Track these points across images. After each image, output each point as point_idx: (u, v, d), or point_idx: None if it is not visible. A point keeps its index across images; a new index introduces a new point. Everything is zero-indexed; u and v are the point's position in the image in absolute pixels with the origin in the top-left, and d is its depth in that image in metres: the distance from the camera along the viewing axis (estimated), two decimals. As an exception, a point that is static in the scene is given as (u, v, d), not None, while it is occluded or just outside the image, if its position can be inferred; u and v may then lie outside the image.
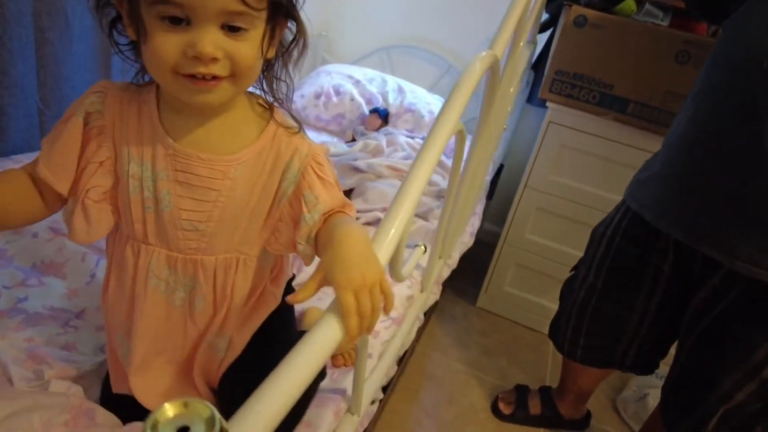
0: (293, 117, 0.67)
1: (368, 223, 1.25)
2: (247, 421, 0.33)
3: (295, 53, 0.64)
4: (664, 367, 1.10)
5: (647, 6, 1.42)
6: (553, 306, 1.26)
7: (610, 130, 1.45)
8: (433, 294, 1.20)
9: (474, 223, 1.52)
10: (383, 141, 1.50)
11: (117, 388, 0.69)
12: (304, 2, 0.61)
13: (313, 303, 0.98)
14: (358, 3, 2.01)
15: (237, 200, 0.63)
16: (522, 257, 1.69)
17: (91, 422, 0.58)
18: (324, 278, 0.52)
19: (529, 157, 1.56)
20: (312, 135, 1.40)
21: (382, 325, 0.95)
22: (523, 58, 1.42)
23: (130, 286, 0.66)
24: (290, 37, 0.62)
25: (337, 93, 1.72)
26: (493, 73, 0.81)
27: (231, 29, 0.52)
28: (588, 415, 1.45)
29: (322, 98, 1.71)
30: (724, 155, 0.87)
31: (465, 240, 1.42)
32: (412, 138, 1.58)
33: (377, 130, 1.63)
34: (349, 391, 0.79)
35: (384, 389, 0.99)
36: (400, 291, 1.04)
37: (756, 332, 0.90)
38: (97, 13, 0.57)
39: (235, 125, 0.63)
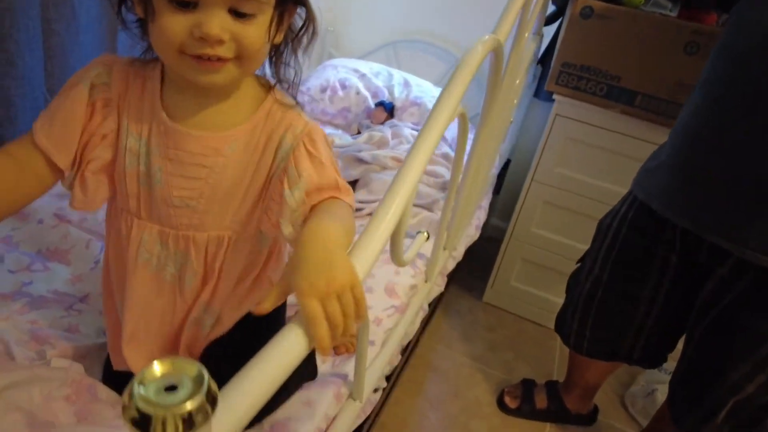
0: (295, 99, 0.66)
1: (372, 214, 1.24)
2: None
3: (305, 40, 0.63)
4: (672, 363, 1.08)
5: (655, -4, 1.40)
6: (560, 301, 1.25)
7: (618, 123, 1.43)
8: (438, 285, 1.19)
9: (480, 217, 1.51)
10: (388, 133, 1.50)
11: (117, 365, 0.69)
12: None
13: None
14: (364, -2, 2.01)
15: (229, 178, 0.63)
16: (528, 252, 1.67)
17: (93, 398, 0.58)
18: (287, 285, 0.47)
19: (536, 151, 1.55)
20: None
21: (384, 312, 0.94)
22: (529, 50, 1.42)
23: (122, 258, 0.67)
24: (300, 24, 0.61)
25: (343, 87, 1.72)
26: (496, 57, 0.80)
27: (238, 14, 0.52)
28: (595, 409, 1.43)
29: (328, 92, 1.72)
30: (726, 151, 0.86)
31: (470, 233, 1.42)
32: (417, 130, 1.58)
33: (383, 123, 1.63)
34: (351, 377, 0.78)
35: (388, 379, 0.98)
36: (403, 280, 1.03)
37: (765, 322, 0.89)
38: None
39: (234, 104, 0.62)
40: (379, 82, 1.77)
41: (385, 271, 1.05)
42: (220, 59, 0.53)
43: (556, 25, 1.63)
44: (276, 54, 0.63)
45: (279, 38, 0.60)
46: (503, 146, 1.75)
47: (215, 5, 0.51)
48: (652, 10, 1.40)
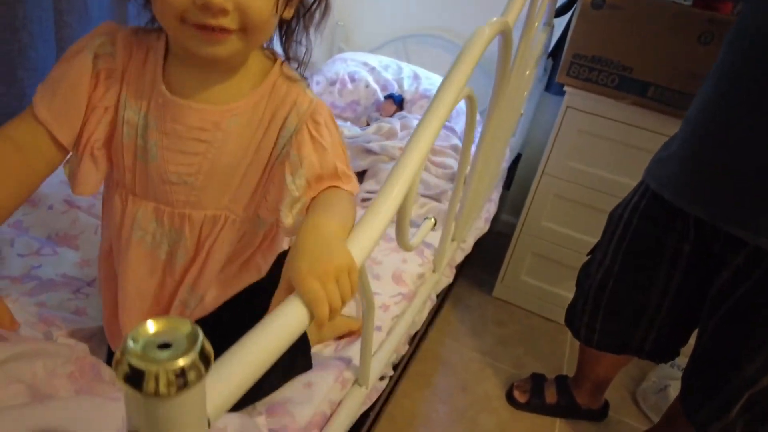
0: (303, 77, 0.63)
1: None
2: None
3: (317, 15, 0.61)
4: (684, 359, 1.06)
5: (668, -15, 1.38)
6: (571, 296, 1.23)
7: (630, 115, 1.41)
8: (446, 276, 1.19)
9: (490, 210, 1.50)
10: (397, 125, 1.50)
11: (114, 345, 0.68)
12: None
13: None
14: (374, -7, 2.00)
15: (229, 154, 0.60)
16: (539, 246, 1.66)
17: (96, 376, 0.58)
18: (289, 278, 0.46)
19: (547, 144, 1.53)
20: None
21: (392, 299, 0.94)
22: (539, 41, 1.40)
23: (116, 236, 0.65)
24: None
25: (352, 80, 1.72)
26: (505, 41, 0.79)
27: None
28: (606, 405, 1.41)
29: (337, 85, 1.71)
30: (732, 146, 0.85)
31: (480, 226, 1.40)
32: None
33: (392, 115, 1.62)
34: (356, 362, 0.78)
35: (395, 368, 0.98)
36: (411, 268, 1.03)
37: (782, 313, 0.87)
38: None
39: (236, 76, 0.60)
40: (389, 75, 1.77)
41: (393, 258, 1.05)
42: (223, 30, 0.51)
43: (567, 17, 1.62)
44: (287, 30, 0.60)
45: (289, 13, 0.58)
46: (514, 140, 1.73)
47: None
48: (666, -2, 1.38)
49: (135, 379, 0.27)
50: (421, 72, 1.80)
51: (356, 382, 0.78)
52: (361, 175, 1.35)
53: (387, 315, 0.90)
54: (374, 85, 1.72)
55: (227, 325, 0.63)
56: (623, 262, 1.06)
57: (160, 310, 0.69)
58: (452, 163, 1.42)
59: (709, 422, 0.98)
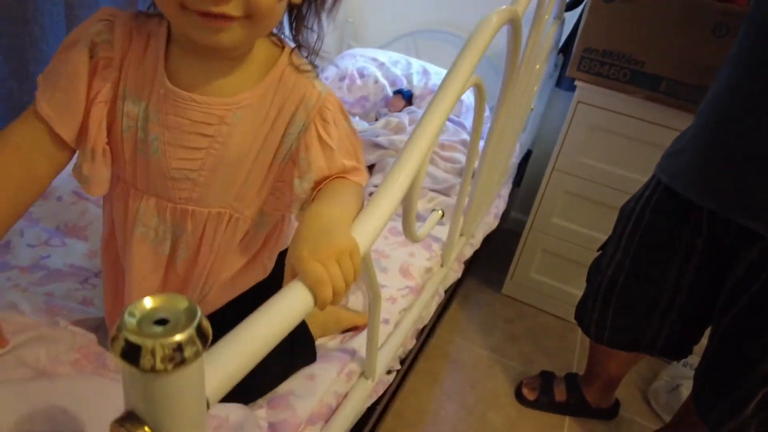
0: (311, 63, 0.60)
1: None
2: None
3: (330, 0, 0.58)
4: (697, 358, 1.04)
5: (682, -23, 1.36)
6: (581, 293, 1.21)
7: (642, 110, 1.39)
8: (454, 271, 1.18)
9: (499, 206, 1.48)
10: (405, 119, 1.49)
11: None
12: None
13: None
14: (384, -11, 2.00)
15: (234, 149, 0.57)
16: (549, 243, 1.64)
17: (102, 366, 0.58)
18: (293, 270, 0.46)
19: (557, 139, 1.52)
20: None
21: (399, 292, 0.93)
22: (550, 35, 1.39)
23: (120, 230, 0.63)
24: None
25: (361, 75, 1.71)
26: (514, 31, 0.78)
27: None
28: (616, 404, 1.39)
29: (346, 81, 1.71)
30: (745, 137, 0.83)
31: (489, 221, 1.39)
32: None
33: (400, 111, 1.61)
34: (361, 354, 0.77)
35: (402, 363, 0.97)
36: (418, 262, 1.02)
37: (798, 309, 0.85)
38: None
39: (241, 66, 0.57)
40: (398, 71, 1.76)
41: (400, 252, 1.04)
42: (226, 17, 0.47)
43: (578, 12, 1.60)
44: (297, 16, 0.57)
45: None
46: (524, 136, 1.72)
47: None
48: (679, -9, 1.36)
49: (131, 354, 0.26)
50: (431, 67, 1.79)
51: (362, 374, 0.77)
52: (369, 170, 1.35)
53: (395, 307, 0.90)
54: (383, 81, 1.71)
55: (231, 324, 0.64)
56: (635, 256, 1.05)
57: None
58: (461, 157, 1.41)
59: (723, 422, 0.96)
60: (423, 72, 1.77)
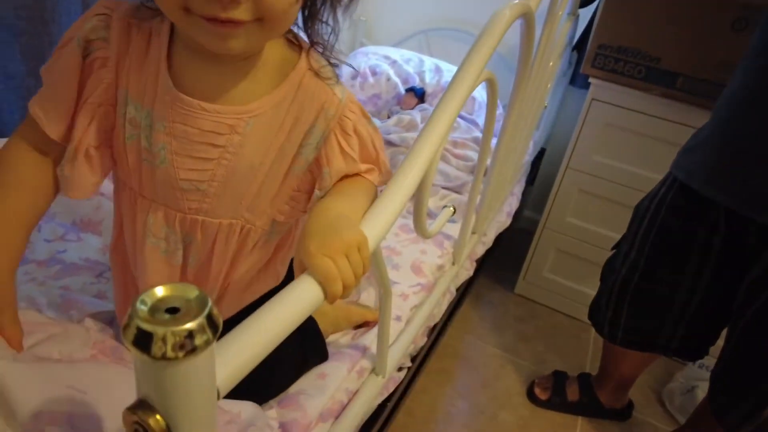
0: (330, 63, 0.56)
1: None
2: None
3: None
4: (713, 360, 1.03)
5: (699, -28, 1.34)
6: (595, 293, 1.20)
7: (658, 107, 1.37)
8: (466, 270, 1.17)
9: (512, 204, 1.48)
10: (417, 117, 1.49)
11: None
12: None
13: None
14: (396, -13, 2.00)
15: (247, 159, 0.54)
16: (563, 242, 1.62)
17: (118, 359, 0.58)
18: (302, 265, 0.45)
19: (571, 137, 1.50)
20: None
21: (411, 289, 0.93)
22: (563, 31, 1.37)
23: (130, 237, 0.60)
24: None
25: (374, 73, 1.71)
26: (527, 25, 0.78)
27: None
28: (630, 405, 1.38)
29: (359, 79, 1.71)
30: (764, 133, 0.81)
31: (501, 219, 1.38)
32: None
33: (413, 109, 1.61)
34: (372, 350, 0.77)
35: (413, 360, 0.97)
36: (430, 259, 1.02)
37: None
38: None
39: (254, 71, 0.52)
40: (410, 69, 1.76)
41: (412, 249, 1.04)
42: (234, 22, 0.43)
43: (592, 9, 1.58)
44: (311, 9, 0.52)
45: None
46: (537, 134, 1.71)
47: None
48: (697, -15, 1.34)
49: (143, 341, 0.26)
50: (443, 65, 1.79)
51: (373, 371, 0.77)
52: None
53: (406, 304, 0.90)
54: (395, 79, 1.71)
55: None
56: (649, 255, 1.03)
57: None
58: (473, 155, 1.40)
59: (739, 424, 0.95)
60: (435, 69, 1.76)
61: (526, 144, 1.46)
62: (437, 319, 1.05)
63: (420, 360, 1.02)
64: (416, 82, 1.73)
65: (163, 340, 0.26)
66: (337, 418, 0.70)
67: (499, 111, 1.45)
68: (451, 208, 0.84)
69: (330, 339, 0.83)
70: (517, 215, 1.67)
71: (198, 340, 0.27)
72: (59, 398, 0.42)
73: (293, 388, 0.72)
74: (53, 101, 0.52)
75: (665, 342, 1.08)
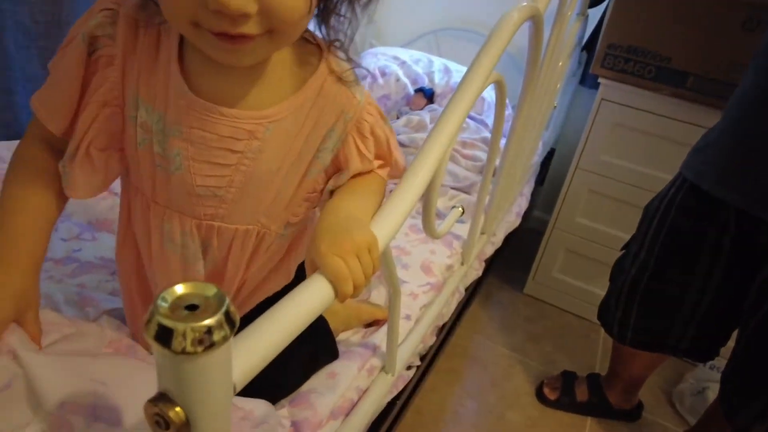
0: (351, 60, 0.55)
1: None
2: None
3: None
4: (724, 361, 1.02)
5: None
6: (605, 293, 1.20)
7: (667, 107, 1.37)
8: (475, 269, 1.18)
9: (521, 204, 1.48)
10: (426, 117, 1.50)
11: (134, 332, 0.66)
12: None
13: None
14: (406, -13, 2.00)
15: (265, 165, 0.53)
16: (572, 242, 1.62)
17: (133, 357, 0.60)
18: (314, 264, 0.45)
19: (581, 137, 1.50)
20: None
21: (420, 289, 0.94)
22: (573, 31, 1.37)
23: (144, 245, 0.59)
24: None
25: (383, 74, 1.72)
26: (535, 27, 0.78)
27: None
28: (639, 405, 1.37)
29: (368, 80, 1.72)
30: None
31: (511, 219, 1.39)
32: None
33: (422, 109, 1.62)
34: (382, 349, 0.78)
35: (422, 359, 0.98)
36: (439, 259, 1.03)
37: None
38: None
39: (272, 73, 0.51)
40: (419, 69, 1.76)
41: (421, 249, 1.05)
42: (245, 36, 0.42)
43: (601, 9, 1.58)
44: (326, 5, 0.50)
45: None
46: (547, 134, 1.71)
47: None
48: (707, -15, 1.33)
49: (164, 337, 0.27)
50: (452, 65, 1.79)
51: (383, 369, 0.78)
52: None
53: (416, 303, 0.90)
54: (404, 79, 1.72)
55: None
56: (659, 256, 1.03)
57: None
58: (482, 155, 1.41)
59: (750, 425, 0.94)
60: (444, 70, 1.77)
61: (535, 144, 1.46)
62: (446, 318, 1.06)
63: (429, 359, 1.03)
64: (425, 83, 1.74)
65: (183, 335, 0.27)
66: (347, 415, 0.71)
67: (509, 111, 1.45)
68: (460, 209, 0.84)
69: (341, 337, 0.84)
70: (527, 215, 1.67)
71: (216, 336, 0.28)
72: (82, 390, 0.44)
73: (304, 387, 0.72)
74: (52, 98, 0.51)
75: (675, 342, 1.08)
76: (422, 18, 2.02)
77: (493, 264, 1.50)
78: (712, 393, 1.35)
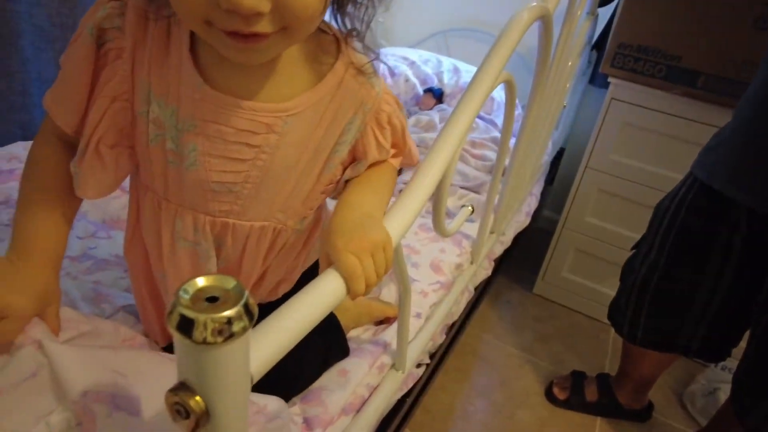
0: (370, 50, 0.53)
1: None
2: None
3: None
4: (735, 362, 1.02)
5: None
6: (615, 293, 1.20)
7: (678, 106, 1.37)
8: (484, 269, 1.18)
9: (531, 204, 1.48)
10: (436, 117, 1.50)
11: (147, 330, 0.67)
12: None
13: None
14: (415, -12, 2.01)
15: (283, 159, 0.52)
16: (582, 242, 1.62)
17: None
18: (328, 258, 0.45)
19: (590, 137, 1.50)
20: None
21: (430, 287, 0.95)
22: (583, 30, 1.37)
23: (155, 243, 0.58)
24: None
25: (392, 74, 1.73)
26: (545, 27, 0.79)
27: None
28: (650, 406, 1.37)
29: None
30: None
31: (520, 219, 1.39)
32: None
33: (431, 109, 1.62)
34: (392, 346, 0.79)
35: (432, 357, 0.98)
36: (449, 258, 1.03)
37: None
38: None
39: (289, 66, 0.50)
40: (429, 69, 1.77)
41: (431, 248, 1.05)
42: (258, 35, 0.41)
43: (611, 8, 1.58)
44: None
45: None
46: (557, 134, 1.71)
47: None
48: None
49: (185, 327, 0.28)
50: (462, 65, 1.79)
51: (393, 366, 0.79)
52: (399, 168, 1.36)
53: (426, 301, 0.91)
54: (414, 79, 1.73)
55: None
56: (669, 255, 1.03)
57: None
58: (492, 155, 1.41)
59: (762, 425, 0.94)
60: (454, 70, 1.77)
61: (545, 144, 1.46)
62: (455, 317, 1.06)
63: (438, 358, 1.04)
64: (434, 83, 1.74)
65: (204, 326, 0.28)
66: (357, 412, 0.72)
67: (518, 111, 1.45)
68: (470, 208, 0.85)
69: (351, 334, 0.85)
70: (536, 215, 1.67)
71: (236, 327, 0.29)
72: (104, 380, 0.45)
73: (315, 385, 0.73)
74: (62, 93, 0.50)
75: (685, 342, 1.08)
76: (431, 18, 2.02)
77: (502, 263, 1.50)
78: (724, 394, 1.34)
